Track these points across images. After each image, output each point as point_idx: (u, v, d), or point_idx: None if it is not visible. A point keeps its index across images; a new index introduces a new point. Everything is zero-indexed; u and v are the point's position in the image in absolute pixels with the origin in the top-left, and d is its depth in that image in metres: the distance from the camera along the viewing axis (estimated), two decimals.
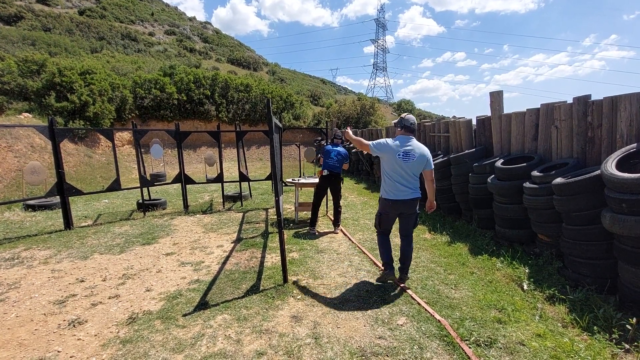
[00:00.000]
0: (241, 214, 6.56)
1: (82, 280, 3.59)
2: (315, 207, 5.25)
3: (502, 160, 4.62)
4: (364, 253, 4.30)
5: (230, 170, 14.01)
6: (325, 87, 43.21)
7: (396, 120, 3.36)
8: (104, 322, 2.78)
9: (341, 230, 5.33)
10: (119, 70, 18.79)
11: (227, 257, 4.23)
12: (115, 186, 5.89)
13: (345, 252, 4.40)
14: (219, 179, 6.91)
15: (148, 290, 3.34)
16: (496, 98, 5.16)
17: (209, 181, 7.25)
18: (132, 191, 8.49)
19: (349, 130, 3.59)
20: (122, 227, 5.67)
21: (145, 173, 6.22)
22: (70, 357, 2.34)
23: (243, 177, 7.11)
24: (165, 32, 37.56)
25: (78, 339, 2.54)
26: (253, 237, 5.07)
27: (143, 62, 22.05)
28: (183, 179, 6.70)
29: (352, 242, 4.78)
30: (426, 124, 7.75)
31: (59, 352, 2.40)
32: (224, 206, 7.17)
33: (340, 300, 3.09)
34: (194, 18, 47.88)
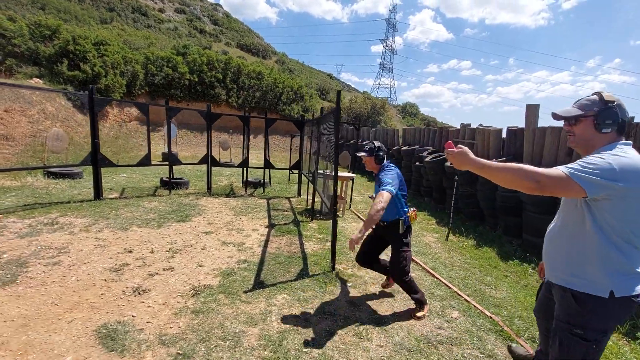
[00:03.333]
0: (265, 201, 6.62)
1: (130, 251, 3.63)
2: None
3: None
4: None
5: (241, 156, 13.94)
6: (332, 82, 43.10)
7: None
8: (167, 292, 2.84)
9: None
10: (131, 45, 18.46)
11: (266, 241, 4.31)
12: (145, 161, 5.89)
13: None
14: (244, 164, 6.94)
15: (200, 266, 3.41)
16: (532, 111, 5.31)
17: (236, 165, 7.26)
18: (148, 168, 8.44)
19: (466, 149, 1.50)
20: (150, 202, 5.68)
21: (169, 150, 6.21)
22: (147, 322, 2.41)
23: (268, 164, 7.15)
24: (176, 10, 36.85)
25: (148, 306, 2.61)
26: (285, 224, 5.15)
27: (155, 39, 21.68)
28: (209, 161, 6.72)
29: None
30: (450, 129, 7.89)
31: (133, 316, 2.46)
32: (246, 191, 7.21)
33: (390, 290, 3.21)
34: None
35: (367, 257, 2.99)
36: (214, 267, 3.41)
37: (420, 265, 3.88)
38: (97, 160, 5.23)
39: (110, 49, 15.09)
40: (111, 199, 5.68)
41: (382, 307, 2.88)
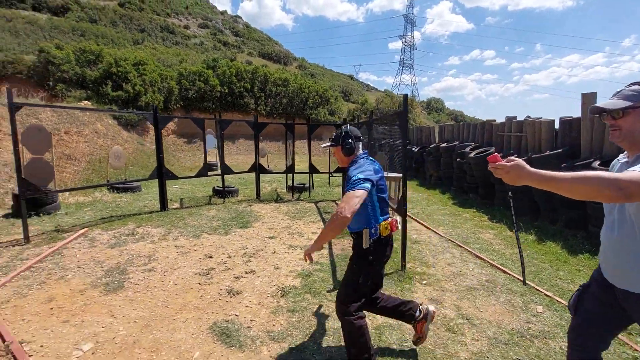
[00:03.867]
0: (313, 204, 6.81)
1: (210, 257, 3.90)
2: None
3: (598, 162, 4.65)
4: (460, 246, 4.45)
5: (275, 162, 14.31)
6: (353, 83, 43.13)
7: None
8: (258, 293, 3.05)
9: (422, 224, 5.48)
10: (164, 62, 19.44)
11: (330, 243, 4.47)
12: (203, 172, 6.26)
13: (439, 244, 4.56)
14: (290, 169, 7.18)
15: (277, 269, 3.61)
16: (588, 99, 5.16)
17: (281, 171, 7.50)
18: (196, 178, 8.87)
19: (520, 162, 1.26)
20: (209, 210, 6.01)
21: (221, 161, 6.56)
22: (251, 320, 2.61)
23: (312, 169, 7.35)
24: (199, 26, 38.34)
25: (246, 306, 2.82)
26: None
27: (186, 55, 22.72)
28: (257, 168, 7.00)
29: (441, 235, 4.93)
30: (493, 122, 7.76)
31: (237, 315, 2.68)
32: (292, 196, 7.44)
33: (466, 287, 3.25)
34: (225, 12, 48.58)
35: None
36: (291, 270, 3.59)
37: (488, 262, 3.89)
38: (162, 174, 5.62)
39: (148, 68, 15.99)
40: (174, 209, 6.06)
41: (464, 304, 2.94)
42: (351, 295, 1.97)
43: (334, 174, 8.26)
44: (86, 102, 14.09)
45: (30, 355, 2.14)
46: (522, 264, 3.41)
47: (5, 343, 2.19)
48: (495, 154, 1.34)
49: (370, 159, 2.09)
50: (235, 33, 42.20)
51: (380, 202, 2.02)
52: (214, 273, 3.47)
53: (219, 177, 8.96)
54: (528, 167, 1.22)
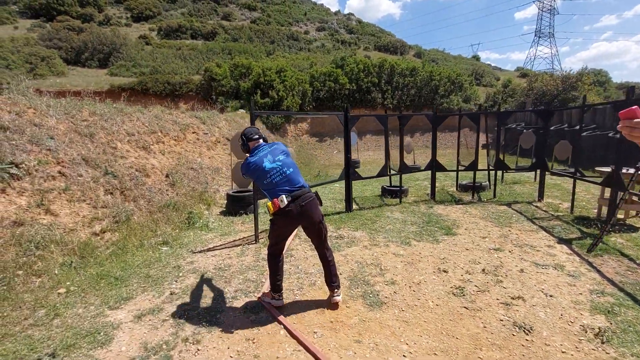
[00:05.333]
0: (506, 207, 5.75)
1: (445, 271, 3.41)
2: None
3: None
4: None
5: (415, 158, 13.44)
6: (479, 64, 38.20)
7: None
8: (558, 331, 2.35)
9: None
10: (298, 67, 20.76)
11: (589, 263, 3.43)
12: (384, 172, 5.97)
13: None
14: (473, 166, 6.24)
15: (550, 296, 2.84)
16: None
17: (465, 169, 6.62)
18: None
19: None
20: (392, 212, 5.65)
21: (401, 160, 6.14)
22: None
23: (500, 165, 6.24)
24: (317, 29, 40.19)
25: (562, 352, 2.16)
26: (578, 238, 4.14)
27: (314, 58, 23.93)
28: (434, 166, 6.33)
29: None
30: None
31: None
32: (473, 196, 6.49)
33: None
34: (338, 12, 49.71)
35: None
36: (573, 300, 2.77)
37: None
38: (349, 175, 5.53)
39: (287, 74, 17.24)
40: (356, 210, 5.94)
41: None
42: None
43: (511, 171, 6.92)
44: (242, 110, 16.07)
45: None
46: None
47: None
48: (635, 107, 0.91)
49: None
50: (349, 30, 42.65)
51: None
52: (469, 294, 2.94)
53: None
54: None
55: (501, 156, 6.61)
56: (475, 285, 3.10)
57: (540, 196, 6.20)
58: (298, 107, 17.73)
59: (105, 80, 19.88)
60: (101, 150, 5.09)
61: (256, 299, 2.91)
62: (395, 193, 6.53)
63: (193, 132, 8.72)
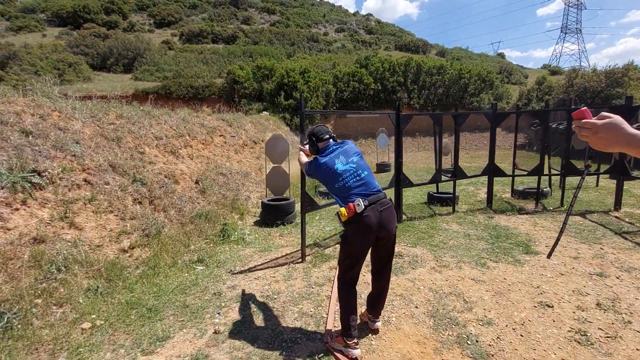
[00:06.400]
0: (580, 218, 4.95)
1: (550, 305, 2.71)
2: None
3: None
4: None
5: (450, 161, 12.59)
6: (505, 62, 36.65)
7: None
8: None
9: None
10: (321, 68, 20.27)
11: None
12: (437, 177, 5.29)
13: None
14: (538, 171, 5.46)
15: None
16: None
17: (526, 173, 5.83)
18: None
19: (617, 118, 0.91)
20: (449, 224, 4.97)
21: (456, 164, 5.44)
22: None
23: (570, 168, 5.43)
24: (336, 30, 39.70)
25: None
26: None
27: (337, 59, 23.40)
28: (491, 171, 5.59)
29: None
30: None
31: None
32: (536, 205, 5.70)
33: None
34: (357, 13, 49.12)
35: None
36: None
37: None
38: (399, 181, 4.88)
39: (311, 75, 16.75)
40: (405, 221, 5.28)
41: None
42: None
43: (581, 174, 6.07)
44: (265, 112, 15.68)
45: None
46: None
47: None
48: (584, 108, 0.92)
49: None
50: (369, 31, 41.95)
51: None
52: (597, 341, 2.25)
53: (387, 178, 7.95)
54: (628, 127, 0.86)
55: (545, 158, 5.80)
56: (599, 328, 2.40)
57: (618, 205, 5.36)
58: (322, 109, 17.21)
59: (130, 85, 20.02)
60: (129, 155, 4.66)
61: (322, 345, 2.32)
62: (445, 201, 5.81)
63: (220, 135, 8.30)
